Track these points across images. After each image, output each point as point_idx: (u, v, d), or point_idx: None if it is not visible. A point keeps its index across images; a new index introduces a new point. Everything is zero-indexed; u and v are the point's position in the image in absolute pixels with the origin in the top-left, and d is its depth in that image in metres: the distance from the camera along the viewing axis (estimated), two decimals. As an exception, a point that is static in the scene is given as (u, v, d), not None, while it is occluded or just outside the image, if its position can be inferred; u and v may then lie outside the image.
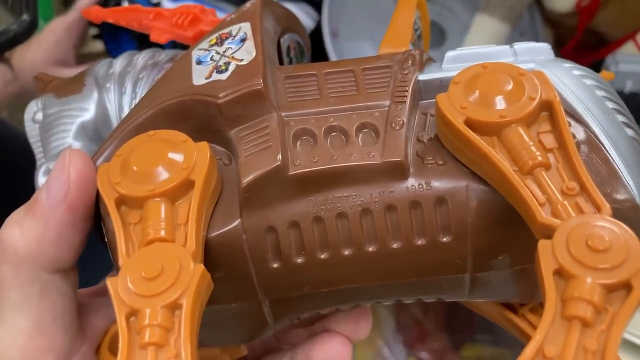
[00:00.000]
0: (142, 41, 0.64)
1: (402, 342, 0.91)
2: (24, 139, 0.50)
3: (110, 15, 0.25)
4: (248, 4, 0.22)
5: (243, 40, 0.21)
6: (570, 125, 0.19)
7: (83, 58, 0.70)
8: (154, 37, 0.23)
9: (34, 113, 0.24)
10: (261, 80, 0.19)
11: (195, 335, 0.15)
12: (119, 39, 0.68)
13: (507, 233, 0.18)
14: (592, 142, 0.19)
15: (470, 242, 0.18)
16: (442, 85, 0.19)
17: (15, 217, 0.20)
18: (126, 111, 0.24)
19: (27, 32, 0.34)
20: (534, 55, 0.21)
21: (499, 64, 0.19)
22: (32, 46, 0.66)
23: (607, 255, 0.14)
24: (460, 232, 0.18)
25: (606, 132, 0.20)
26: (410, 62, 0.21)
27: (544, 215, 0.16)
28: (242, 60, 0.21)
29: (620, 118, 0.21)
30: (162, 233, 0.17)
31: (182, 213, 0.17)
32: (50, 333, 0.19)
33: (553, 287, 0.14)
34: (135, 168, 0.18)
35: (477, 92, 0.18)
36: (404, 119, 0.19)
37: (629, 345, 0.46)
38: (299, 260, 0.19)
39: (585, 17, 0.65)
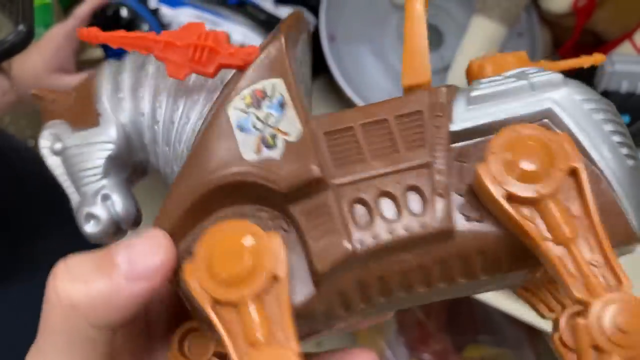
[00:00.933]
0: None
1: (404, 344, 0.91)
2: (23, 148, 0.50)
3: (111, 39, 0.23)
4: (273, 50, 0.22)
5: (282, 105, 0.21)
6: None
7: (83, 64, 0.70)
8: (171, 73, 0.22)
9: (51, 143, 0.24)
10: (318, 166, 0.20)
11: None
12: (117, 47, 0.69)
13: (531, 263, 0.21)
14: (597, 175, 0.21)
15: (502, 275, 0.21)
16: (473, 133, 0.21)
17: (81, 272, 0.20)
18: (150, 124, 0.24)
19: (24, 42, 0.34)
20: (549, 88, 0.21)
21: (529, 128, 0.20)
22: (32, 54, 0.66)
23: (628, 336, 0.17)
24: (495, 271, 0.21)
25: (610, 167, 0.21)
26: (439, 111, 0.22)
27: (577, 292, 0.18)
28: (289, 134, 0.21)
29: (624, 151, 0.21)
30: (262, 338, 0.18)
31: (271, 304, 0.19)
32: None
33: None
34: (223, 274, 0.19)
35: (514, 166, 0.19)
36: (446, 182, 0.21)
37: None
38: (362, 306, 0.21)
39: (582, 18, 0.65)
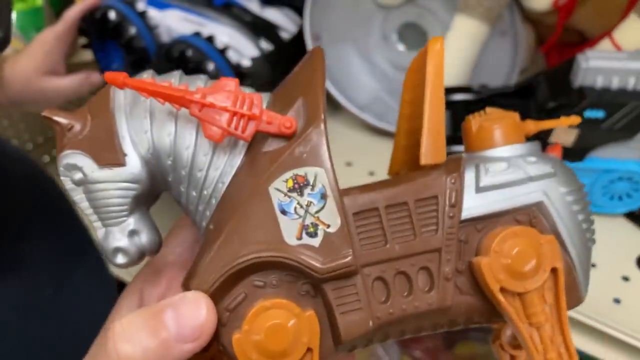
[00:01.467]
0: (128, 50, 0.65)
1: (396, 342, 0.92)
2: (12, 151, 0.51)
3: (141, 88, 0.23)
4: (314, 136, 0.23)
5: (323, 196, 0.23)
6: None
7: (73, 67, 0.71)
8: (208, 135, 0.23)
9: (71, 173, 0.24)
10: (353, 259, 0.23)
11: None
12: (106, 49, 0.70)
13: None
14: (567, 263, 0.25)
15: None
16: (478, 219, 0.25)
17: (136, 334, 0.22)
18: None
19: (0, 46, 0.34)
20: (542, 178, 0.25)
21: (524, 233, 0.24)
22: (23, 57, 0.67)
23: None
24: (472, 324, 0.26)
25: (577, 252, 0.25)
26: (454, 200, 0.25)
27: None
28: (329, 226, 0.23)
29: (587, 235, 0.26)
30: None
31: None
32: None
33: None
34: (271, 348, 0.23)
35: (511, 265, 0.24)
36: (452, 270, 0.24)
37: (626, 346, 0.46)
38: (362, 347, 0.26)
39: (563, 15, 0.65)
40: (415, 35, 0.69)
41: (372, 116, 0.66)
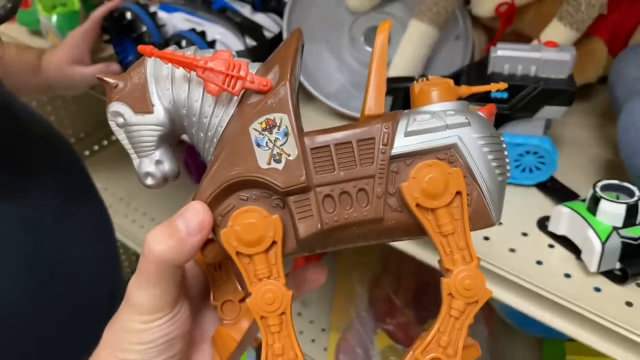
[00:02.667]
0: (139, 44, 0.79)
1: (372, 316, 1.01)
2: (34, 111, 0.65)
3: (162, 55, 0.31)
4: (282, 91, 0.31)
5: (286, 134, 0.31)
6: (467, 182, 0.31)
7: (97, 60, 0.86)
8: (208, 90, 0.31)
9: (116, 118, 0.33)
10: (305, 178, 0.31)
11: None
12: (123, 43, 0.84)
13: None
14: (477, 190, 0.31)
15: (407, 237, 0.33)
16: (405, 155, 0.31)
17: (160, 237, 0.30)
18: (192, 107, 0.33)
19: (7, 15, 0.43)
20: (458, 127, 0.31)
21: (436, 165, 0.31)
22: (57, 49, 0.82)
23: (471, 291, 0.31)
24: (402, 236, 0.33)
25: (486, 184, 0.31)
26: (386, 140, 0.31)
27: (447, 264, 0.31)
28: (289, 155, 0.31)
29: (497, 171, 0.32)
30: (266, 274, 0.31)
31: (272, 257, 0.31)
32: (170, 295, 0.32)
33: (446, 302, 0.31)
34: (246, 238, 0.31)
35: (424, 188, 0.30)
36: (383, 191, 0.31)
37: (624, 340, 0.53)
38: (320, 251, 0.33)
39: (505, 21, 0.75)
40: (379, 37, 0.80)
41: (337, 103, 0.78)
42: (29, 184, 0.57)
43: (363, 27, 0.80)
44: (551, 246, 0.59)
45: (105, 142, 1.48)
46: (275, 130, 0.31)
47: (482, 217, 0.32)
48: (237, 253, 0.31)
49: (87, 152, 1.45)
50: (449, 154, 0.31)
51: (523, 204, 0.63)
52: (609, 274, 0.55)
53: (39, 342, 0.54)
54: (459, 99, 0.33)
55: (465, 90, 0.33)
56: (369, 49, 0.80)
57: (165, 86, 0.33)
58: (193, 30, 0.75)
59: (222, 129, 0.32)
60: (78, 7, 0.93)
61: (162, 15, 0.81)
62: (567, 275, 0.56)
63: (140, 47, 0.31)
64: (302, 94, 0.80)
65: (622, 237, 0.53)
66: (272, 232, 0.31)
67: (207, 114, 0.32)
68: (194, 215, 0.30)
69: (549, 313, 0.56)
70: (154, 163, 0.33)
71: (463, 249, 0.31)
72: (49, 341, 0.55)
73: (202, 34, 0.74)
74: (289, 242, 0.32)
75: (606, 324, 0.52)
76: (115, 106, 0.33)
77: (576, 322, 0.54)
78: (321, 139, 0.31)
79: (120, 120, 0.33)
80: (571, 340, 0.95)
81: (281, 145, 0.31)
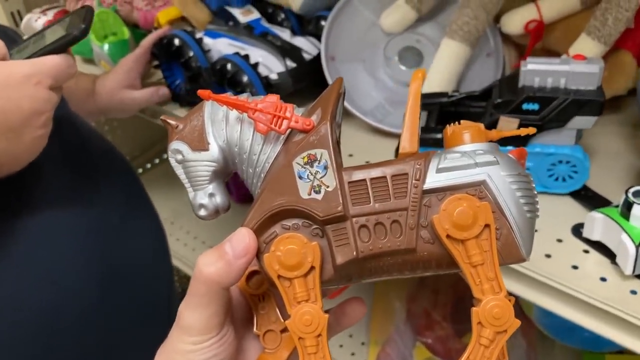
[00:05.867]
0: (187, 68, 0.85)
1: (411, 330, 1.02)
2: (95, 130, 0.70)
3: (218, 99, 0.34)
4: (322, 129, 0.34)
5: (325, 167, 0.33)
6: (496, 217, 0.33)
7: (147, 85, 0.91)
8: (258, 130, 0.34)
9: (175, 155, 0.36)
10: (342, 207, 0.33)
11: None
12: (172, 68, 0.90)
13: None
14: (506, 226, 0.33)
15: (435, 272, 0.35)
16: (437, 190, 0.33)
17: (210, 260, 0.33)
18: (242, 146, 0.36)
19: (82, 35, 0.49)
20: (487, 165, 0.33)
21: (465, 198, 0.32)
22: (109, 75, 0.88)
23: (500, 320, 0.32)
24: (435, 270, 0.34)
25: (515, 220, 0.33)
26: (418, 176, 0.33)
27: (477, 294, 0.33)
28: (328, 186, 0.33)
29: (526, 208, 0.33)
30: (304, 297, 0.33)
31: (310, 281, 0.33)
32: (219, 317, 0.34)
33: (476, 330, 0.32)
34: (287, 262, 0.33)
35: (454, 220, 0.32)
36: (415, 222, 0.33)
37: (554, 291, 0.57)
38: (357, 280, 0.35)
39: (534, 38, 0.78)
40: (413, 57, 0.84)
41: (374, 120, 0.81)
42: (95, 189, 0.62)
43: (397, 47, 0.84)
44: (586, 251, 0.61)
45: (148, 165, 1.54)
46: (316, 164, 0.33)
47: (512, 251, 0.33)
48: (279, 276, 0.33)
49: (140, 170, 1.51)
50: (478, 190, 0.33)
51: (557, 212, 0.65)
52: (644, 277, 0.57)
53: (107, 334, 0.58)
54: (489, 141, 0.35)
55: (495, 134, 0.35)
56: (403, 67, 0.84)
57: (221, 127, 0.36)
58: (237, 53, 0.80)
59: (269, 165, 0.35)
60: (128, 36, 0.99)
61: (208, 41, 0.86)
62: (603, 279, 0.58)
63: (200, 92, 0.34)
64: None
65: (655, 240, 0.55)
66: (311, 257, 0.33)
67: (256, 152, 0.35)
68: (241, 240, 0.33)
69: (586, 316, 0.57)
70: (208, 196, 0.36)
71: (492, 280, 0.32)
72: (117, 334, 0.59)
73: (246, 57, 0.78)
74: (327, 269, 0.34)
75: (642, 325, 0.53)
76: (175, 144, 0.36)
77: (613, 324, 0.55)
78: (358, 174, 0.34)
79: (180, 157, 0.36)
80: (612, 352, 0.96)
81: (321, 177, 0.33)
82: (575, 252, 0.61)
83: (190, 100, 0.88)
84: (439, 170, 0.33)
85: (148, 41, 0.88)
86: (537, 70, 0.63)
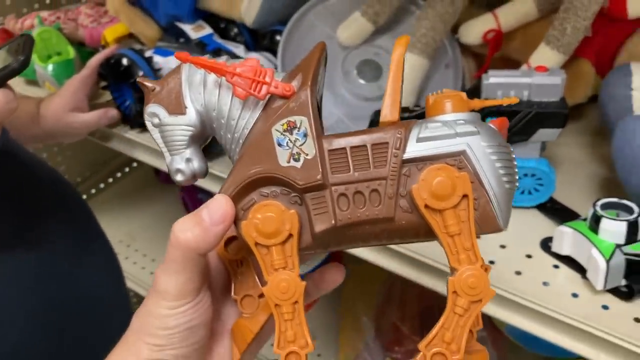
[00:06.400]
0: (136, 88, 0.81)
1: (380, 346, 1.00)
2: (40, 159, 0.66)
3: (196, 61, 0.34)
4: (302, 96, 0.33)
5: (305, 135, 0.33)
6: (475, 188, 0.32)
7: (94, 106, 0.87)
8: (236, 94, 0.33)
9: (152, 118, 0.35)
10: (321, 176, 0.32)
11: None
12: (121, 89, 0.85)
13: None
14: (484, 196, 0.33)
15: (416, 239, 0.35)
16: (416, 160, 0.33)
17: (186, 226, 0.32)
18: (221, 110, 0.35)
19: (22, 67, 0.46)
20: (467, 135, 0.32)
21: (444, 169, 0.32)
22: (55, 97, 0.83)
23: (475, 289, 0.32)
24: (412, 238, 0.35)
25: (493, 190, 0.33)
26: (399, 144, 0.33)
27: (453, 263, 0.32)
28: (308, 154, 0.32)
29: (504, 179, 0.33)
30: (282, 264, 0.33)
31: (288, 249, 0.33)
32: (194, 282, 0.34)
33: (451, 299, 0.32)
34: (264, 230, 0.33)
35: (433, 190, 0.32)
36: (394, 192, 0.33)
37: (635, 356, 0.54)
38: (335, 248, 0.35)
39: (493, 48, 0.77)
40: (371, 70, 0.82)
41: (335, 136, 0.79)
42: (43, 230, 0.58)
43: (355, 60, 0.82)
44: (556, 267, 0.60)
45: (102, 185, 1.48)
46: (296, 131, 0.33)
47: (489, 221, 0.33)
48: (256, 244, 0.33)
49: (84, 197, 1.45)
50: (457, 160, 0.32)
51: (525, 226, 0.64)
52: (615, 292, 0.56)
53: None
54: (471, 111, 0.34)
55: (478, 103, 0.34)
56: (362, 81, 0.82)
57: (198, 91, 0.35)
58: (189, 72, 0.76)
59: (248, 131, 0.34)
60: (73, 55, 0.94)
61: (158, 59, 0.82)
62: (575, 295, 0.57)
63: (177, 54, 0.33)
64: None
65: (625, 254, 0.54)
66: (289, 225, 0.33)
67: (235, 117, 0.34)
68: (218, 207, 0.32)
69: (559, 333, 0.56)
70: (185, 161, 0.35)
71: (469, 250, 0.32)
72: None
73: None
74: (305, 236, 0.34)
75: (616, 341, 0.52)
76: (152, 107, 0.35)
77: (586, 340, 0.54)
78: (338, 142, 0.33)
79: (156, 120, 0.35)
80: (580, 358, 0.96)
81: (300, 145, 0.33)
82: (545, 267, 0.60)
83: (141, 122, 0.84)
84: (419, 140, 0.33)
85: (95, 61, 0.83)
86: (499, 84, 0.62)
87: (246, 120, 0.34)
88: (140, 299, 1.57)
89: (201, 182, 0.80)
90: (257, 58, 0.34)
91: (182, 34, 0.88)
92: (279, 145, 0.33)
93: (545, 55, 0.71)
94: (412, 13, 0.83)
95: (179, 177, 0.36)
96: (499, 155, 0.33)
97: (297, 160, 0.33)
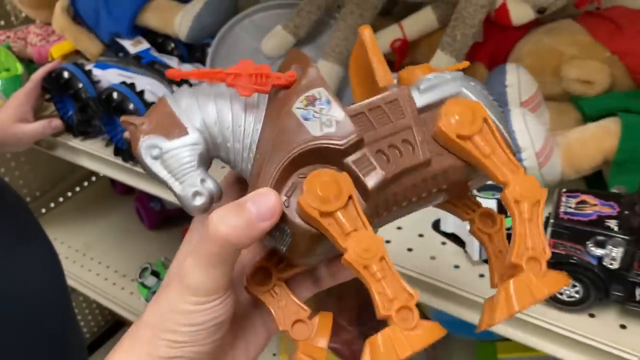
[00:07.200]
0: (76, 99, 0.87)
1: (319, 336, 1.07)
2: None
3: (192, 75, 0.32)
4: (313, 72, 0.33)
5: (329, 102, 0.32)
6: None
7: (39, 118, 0.93)
8: (242, 93, 0.32)
9: (150, 152, 0.33)
10: (357, 134, 0.32)
11: None
12: (63, 101, 0.92)
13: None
14: (492, 123, 0.34)
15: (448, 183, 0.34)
16: (427, 106, 0.34)
17: (230, 218, 0.29)
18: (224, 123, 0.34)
19: None
20: (460, 79, 0.35)
21: (458, 101, 0.33)
22: (2, 110, 0.89)
23: (532, 192, 0.32)
24: (448, 182, 0.34)
25: (495, 116, 0.34)
26: (408, 98, 0.33)
27: (501, 177, 0.32)
28: (337, 117, 0.32)
29: (499, 109, 0.35)
30: (353, 226, 0.30)
31: (351, 211, 0.30)
32: (226, 278, 0.31)
33: (515, 209, 0.31)
34: (326, 195, 0.30)
35: (458, 119, 0.33)
36: (423, 137, 0.33)
37: (417, 282, 0.64)
38: (384, 212, 0.33)
39: (400, 55, 0.85)
40: (294, 77, 0.90)
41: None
42: None
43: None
44: (444, 243, 0.67)
45: (61, 199, 1.53)
46: (318, 102, 0.32)
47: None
48: (321, 214, 0.30)
49: (43, 210, 1.50)
50: (460, 98, 0.34)
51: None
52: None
53: None
54: None
55: (445, 69, 0.37)
56: (286, 88, 0.89)
57: (192, 110, 0.33)
58: (123, 82, 0.83)
59: (259, 132, 0.33)
60: (21, 71, 1.01)
61: (97, 72, 0.89)
62: (457, 266, 0.64)
63: (168, 72, 0.32)
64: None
65: (496, 227, 0.62)
66: (347, 187, 0.31)
67: (241, 123, 0.33)
68: (266, 200, 0.30)
69: (444, 301, 0.63)
70: (199, 182, 0.33)
71: (507, 163, 0.33)
72: None
73: (132, 85, 0.82)
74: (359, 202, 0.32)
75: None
76: (147, 140, 0.33)
77: (464, 305, 0.62)
78: (354, 108, 0.33)
79: (156, 151, 0.33)
80: (502, 340, 1.03)
81: (327, 112, 0.32)
82: (434, 244, 0.67)
83: (82, 130, 0.91)
84: (422, 92, 0.34)
85: (38, 75, 0.90)
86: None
87: (253, 122, 0.33)
88: (92, 305, 1.62)
89: (151, 189, 0.87)
90: (250, 60, 0.34)
91: (122, 49, 0.95)
92: (306, 120, 0.32)
93: (441, 59, 0.79)
94: (331, 26, 0.91)
95: (197, 201, 0.33)
96: (487, 91, 0.36)
97: (329, 126, 0.32)
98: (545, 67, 0.75)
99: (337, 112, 0.32)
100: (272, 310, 0.35)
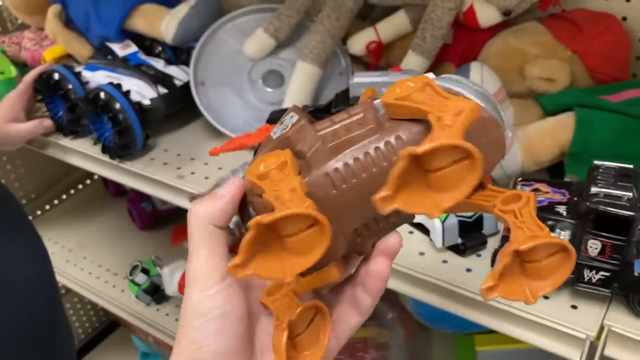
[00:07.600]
0: (66, 99, 0.91)
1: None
2: None
3: (226, 148, 0.40)
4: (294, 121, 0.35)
5: (292, 117, 0.35)
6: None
7: (31, 118, 0.97)
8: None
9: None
10: (303, 123, 0.34)
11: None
12: (54, 101, 0.96)
13: None
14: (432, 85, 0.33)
15: None
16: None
17: (205, 202, 0.35)
18: None
19: None
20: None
21: (410, 78, 0.33)
22: (-5, 111, 0.94)
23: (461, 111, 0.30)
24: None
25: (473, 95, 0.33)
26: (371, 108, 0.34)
27: (437, 127, 0.29)
28: (293, 121, 0.35)
29: (477, 88, 0.34)
30: (277, 177, 0.33)
31: (286, 171, 0.33)
32: (216, 259, 0.34)
33: (436, 122, 0.29)
34: (266, 165, 0.33)
35: (399, 90, 0.33)
36: (375, 123, 0.33)
37: (465, 299, 0.67)
38: (344, 186, 0.33)
39: (375, 57, 0.89)
40: (275, 79, 0.93)
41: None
42: None
43: (261, 71, 0.93)
44: (411, 232, 0.71)
45: (56, 202, 1.57)
46: (282, 124, 0.36)
47: (489, 123, 0.33)
48: (259, 176, 0.33)
49: (39, 212, 1.54)
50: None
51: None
52: (454, 249, 0.67)
53: None
54: None
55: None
56: (267, 89, 0.93)
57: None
58: (110, 83, 0.87)
59: None
60: (15, 74, 1.05)
61: (86, 74, 0.93)
62: (422, 254, 0.68)
63: (212, 151, 0.40)
64: (211, 131, 0.92)
65: (457, 216, 0.65)
66: (285, 156, 0.33)
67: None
68: (230, 182, 0.36)
69: (410, 286, 0.67)
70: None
71: (446, 109, 0.31)
72: None
73: (118, 86, 0.86)
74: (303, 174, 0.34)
75: (451, 288, 0.63)
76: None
77: (429, 290, 0.65)
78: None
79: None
80: (480, 333, 1.06)
81: (289, 122, 0.35)
82: (402, 234, 0.71)
83: (72, 129, 0.95)
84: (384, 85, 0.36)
85: (29, 77, 0.94)
86: (362, 83, 0.73)
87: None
88: (87, 306, 1.65)
89: (139, 185, 0.90)
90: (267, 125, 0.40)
91: (111, 52, 0.99)
92: (274, 134, 0.36)
93: (413, 60, 0.83)
94: (310, 30, 0.95)
95: None
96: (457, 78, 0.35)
97: (285, 128, 0.35)
98: (511, 66, 0.79)
99: (294, 119, 0.35)
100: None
